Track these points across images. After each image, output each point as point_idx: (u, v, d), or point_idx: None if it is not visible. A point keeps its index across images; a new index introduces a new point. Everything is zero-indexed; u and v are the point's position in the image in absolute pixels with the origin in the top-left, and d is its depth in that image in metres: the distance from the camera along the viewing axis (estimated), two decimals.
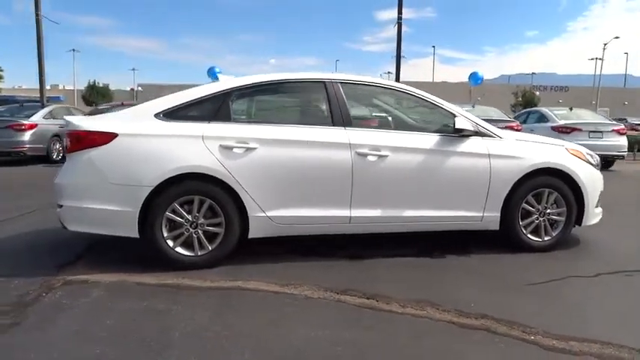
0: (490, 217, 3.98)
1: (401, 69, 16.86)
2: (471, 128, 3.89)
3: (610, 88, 56.25)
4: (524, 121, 12.70)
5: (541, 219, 4.08)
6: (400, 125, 4.06)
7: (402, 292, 3.12)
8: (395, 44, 16.56)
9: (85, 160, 3.42)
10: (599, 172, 4.35)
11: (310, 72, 4.00)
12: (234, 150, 3.52)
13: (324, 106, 3.83)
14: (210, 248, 3.55)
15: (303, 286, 3.20)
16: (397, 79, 16.95)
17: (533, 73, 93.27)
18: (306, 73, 3.99)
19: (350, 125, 3.77)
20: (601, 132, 11.34)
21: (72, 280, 3.29)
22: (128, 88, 64.15)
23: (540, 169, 4.00)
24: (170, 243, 3.48)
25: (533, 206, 4.07)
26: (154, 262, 3.49)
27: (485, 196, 3.94)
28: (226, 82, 3.81)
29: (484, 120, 4.21)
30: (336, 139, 3.69)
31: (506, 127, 8.70)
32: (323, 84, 3.86)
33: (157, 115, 3.56)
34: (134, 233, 3.43)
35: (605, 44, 50.75)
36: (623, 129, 11.77)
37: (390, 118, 4.22)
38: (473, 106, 12.06)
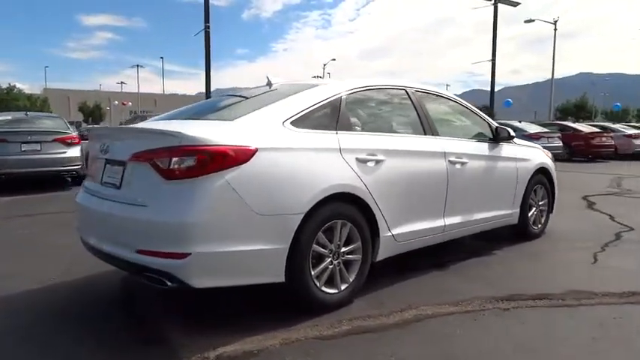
0: (516, 213, 4.52)
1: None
2: (507, 135, 4.36)
3: None
4: None
5: (536, 211, 4.85)
6: (461, 133, 4.20)
7: (536, 287, 3.32)
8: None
9: (222, 186, 2.46)
10: None
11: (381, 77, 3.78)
12: (368, 164, 3.09)
13: (413, 114, 3.69)
14: (350, 280, 3.02)
15: (472, 303, 3.06)
16: (207, 90, 16.40)
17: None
18: (382, 78, 3.76)
19: (437, 134, 3.75)
20: None
21: (224, 353, 2.34)
22: None
23: (538, 168, 4.77)
24: (317, 282, 2.82)
25: (533, 200, 4.80)
26: (271, 311, 2.84)
27: (514, 195, 4.47)
28: (335, 84, 3.28)
29: None
30: (435, 148, 3.63)
31: None
32: (405, 91, 3.73)
33: (284, 123, 2.83)
34: (280, 277, 2.65)
35: (325, 64, 59.45)
36: None
37: (455, 126, 4.31)
38: None
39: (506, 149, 4.40)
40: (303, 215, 2.68)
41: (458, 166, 3.77)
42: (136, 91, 69.65)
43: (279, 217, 2.62)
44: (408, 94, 3.72)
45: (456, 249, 4.32)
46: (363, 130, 3.28)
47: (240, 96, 3.50)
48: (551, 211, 5.12)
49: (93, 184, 3.10)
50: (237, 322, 2.74)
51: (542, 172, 4.85)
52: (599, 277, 3.58)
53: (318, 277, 2.83)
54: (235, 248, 2.49)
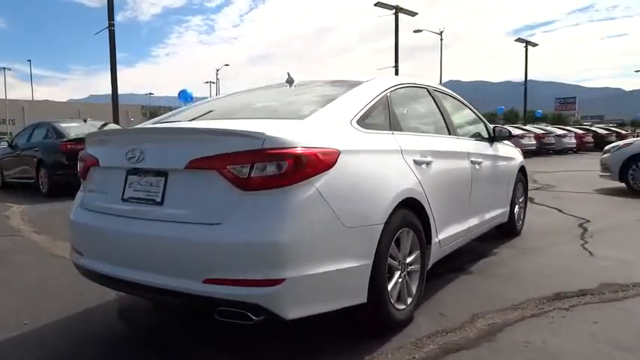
0: (507, 211, 4.60)
1: None
2: (507, 135, 4.42)
3: None
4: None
5: (518, 208, 5.00)
6: (468, 132, 4.13)
7: (569, 283, 3.36)
8: None
9: (314, 196, 2.07)
10: None
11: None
12: (422, 166, 2.87)
13: (438, 114, 3.54)
14: (413, 293, 2.77)
15: (529, 306, 2.97)
16: (114, 92, 14.94)
17: (150, 94, 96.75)
18: (406, 77, 3.56)
19: (457, 134, 3.65)
20: None
21: None
22: None
23: (520, 166, 4.93)
24: (391, 298, 2.53)
25: (516, 197, 4.93)
26: (341, 334, 2.46)
27: (507, 193, 4.55)
28: (377, 81, 3.00)
29: None
30: (461, 148, 3.54)
31: None
32: (427, 90, 3.57)
33: (352, 123, 2.50)
34: (363, 297, 2.32)
35: (218, 70, 57.99)
36: None
37: (463, 126, 4.21)
38: (85, 121, 10.83)
39: (500, 148, 4.46)
40: (383, 225, 2.39)
41: (477, 166, 3.71)
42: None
43: (364, 230, 2.29)
44: (429, 92, 3.58)
45: (457, 251, 4.25)
46: (405, 130, 3.06)
47: (267, 93, 3.09)
48: (526, 208, 5.33)
49: (101, 200, 2.50)
50: (309, 351, 2.36)
51: (521, 169, 5.01)
52: (612, 269, 3.71)
53: (391, 292, 2.55)
54: (328, 268, 2.11)
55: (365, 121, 2.60)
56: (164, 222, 2.17)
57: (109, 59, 14.51)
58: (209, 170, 2.08)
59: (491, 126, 4.41)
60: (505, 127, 4.58)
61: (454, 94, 4.20)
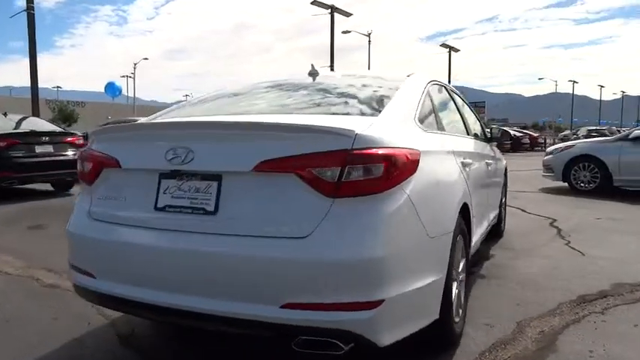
0: (498, 212, 4.61)
1: None
2: (508, 136, 4.41)
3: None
4: None
5: (503, 208, 5.05)
6: (477, 132, 4.02)
7: (584, 285, 3.38)
8: None
9: (406, 203, 1.81)
10: None
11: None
12: (466, 168, 2.71)
13: (458, 114, 3.41)
14: (462, 303, 2.59)
15: (563, 310, 2.92)
16: (33, 82, 13.42)
17: (58, 87, 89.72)
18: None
19: (472, 134, 3.55)
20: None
21: None
22: None
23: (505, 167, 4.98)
24: (453, 311, 2.33)
25: (504, 198, 4.97)
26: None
27: (499, 193, 4.55)
28: (417, 77, 2.77)
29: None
30: (480, 149, 3.47)
31: (65, 142, 8.24)
32: (445, 88, 3.42)
33: (415, 121, 2.26)
34: (436, 313, 2.10)
35: (136, 64, 54.69)
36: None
37: (469, 126, 4.08)
38: (5, 115, 9.69)
39: (495, 149, 4.45)
40: (453, 233, 2.19)
41: (489, 167, 3.64)
42: None
43: (442, 239, 2.08)
44: (447, 90, 3.43)
45: None
46: (445, 129, 2.87)
47: (303, 86, 2.75)
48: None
49: (121, 209, 2.06)
50: None
51: (505, 170, 5.07)
52: (612, 269, 3.80)
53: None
54: (417, 284, 1.87)
55: (422, 120, 2.38)
56: (222, 235, 1.81)
57: (27, 46, 13.01)
58: (286, 173, 1.76)
59: (491, 127, 4.38)
60: (502, 128, 4.57)
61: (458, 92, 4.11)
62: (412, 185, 1.87)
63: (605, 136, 18.38)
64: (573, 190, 8.62)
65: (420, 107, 2.42)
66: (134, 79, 55.37)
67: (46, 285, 3.44)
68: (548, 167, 9.20)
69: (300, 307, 1.69)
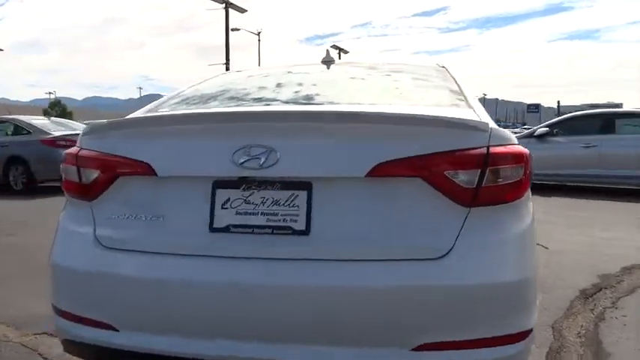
0: None
1: None
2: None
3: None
4: None
5: None
6: None
7: (587, 277, 3.44)
8: None
9: (531, 213, 1.53)
10: None
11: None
12: None
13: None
14: None
15: (576, 306, 2.91)
16: None
17: None
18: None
19: None
20: None
21: None
22: None
23: None
24: None
25: None
26: None
27: None
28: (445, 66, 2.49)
29: None
30: None
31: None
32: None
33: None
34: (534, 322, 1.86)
35: None
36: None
37: None
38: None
39: None
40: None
41: None
42: None
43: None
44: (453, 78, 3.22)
45: None
46: None
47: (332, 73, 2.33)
48: None
49: (153, 232, 1.49)
50: None
51: None
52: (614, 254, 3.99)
53: None
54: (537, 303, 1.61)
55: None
56: (323, 262, 1.36)
57: None
58: (409, 178, 1.37)
59: None
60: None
61: None
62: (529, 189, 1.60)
63: None
64: None
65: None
66: None
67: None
68: None
69: (440, 347, 1.33)
